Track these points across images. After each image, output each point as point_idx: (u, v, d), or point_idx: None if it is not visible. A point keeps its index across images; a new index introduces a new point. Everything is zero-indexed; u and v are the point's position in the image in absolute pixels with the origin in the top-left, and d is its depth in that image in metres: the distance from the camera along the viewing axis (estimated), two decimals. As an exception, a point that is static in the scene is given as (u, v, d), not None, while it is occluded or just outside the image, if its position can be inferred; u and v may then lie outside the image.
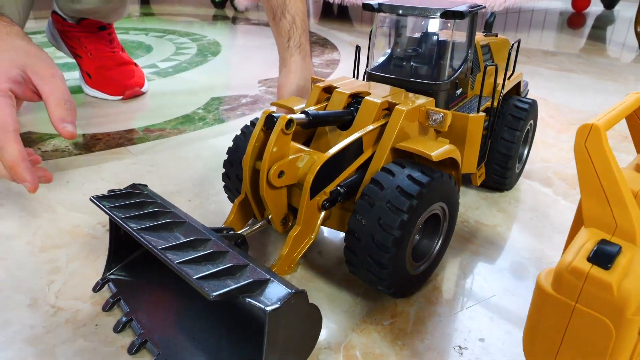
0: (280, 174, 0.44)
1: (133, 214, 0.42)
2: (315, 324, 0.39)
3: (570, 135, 0.92)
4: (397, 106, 0.50)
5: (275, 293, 0.35)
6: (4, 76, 0.48)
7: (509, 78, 0.66)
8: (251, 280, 0.35)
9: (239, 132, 0.57)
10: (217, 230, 0.44)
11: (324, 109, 0.55)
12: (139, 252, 0.51)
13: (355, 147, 0.49)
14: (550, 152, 0.84)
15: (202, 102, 1.08)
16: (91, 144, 0.86)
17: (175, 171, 0.76)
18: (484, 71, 0.58)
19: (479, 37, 0.66)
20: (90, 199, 0.44)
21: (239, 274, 0.36)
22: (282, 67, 0.79)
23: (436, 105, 0.55)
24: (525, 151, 0.71)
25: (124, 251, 0.50)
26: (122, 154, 0.82)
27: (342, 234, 0.60)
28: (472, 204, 0.67)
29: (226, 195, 0.61)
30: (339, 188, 0.47)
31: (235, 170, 0.55)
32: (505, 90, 0.63)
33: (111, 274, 0.50)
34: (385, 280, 0.44)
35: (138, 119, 0.99)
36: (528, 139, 0.71)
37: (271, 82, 1.24)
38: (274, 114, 0.44)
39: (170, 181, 0.73)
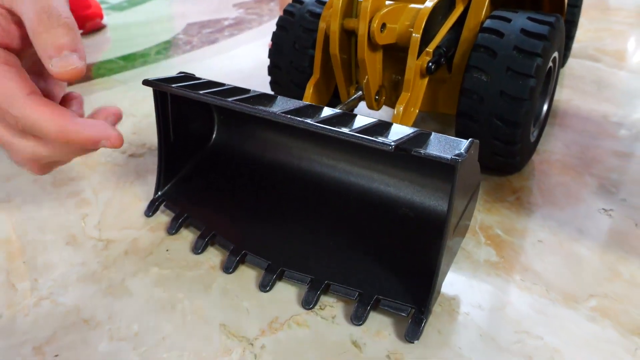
0: (383, 27, 0.35)
1: (212, 90, 0.31)
2: (478, 176, 0.32)
3: (589, 17, 0.88)
4: (489, -54, 0.41)
5: (446, 145, 0.26)
6: None
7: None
8: (417, 132, 0.27)
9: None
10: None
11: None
12: (193, 163, 0.41)
13: (447, 1, 0.40)
14: (578, 33, 0.79)
15: (180, 28, 0.94)
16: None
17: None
18: None
19: None
20: (145, 82, 0.33)
21: (386, 132, 0.28)
22: None
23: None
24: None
25: (175, 165, 0.40)
26: (109, 84, 0.69)
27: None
28: (529, 85, 0.61)
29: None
30: (439, 46, 0.39)
31: (288, 57, 0.46)
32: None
33: (164, 193, 0.40)
34: (516, 143, 0.37)
35: (111, 50, 0.84)
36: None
37: (248, 5, 1.11)
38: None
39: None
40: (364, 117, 0.29)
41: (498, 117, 0.36)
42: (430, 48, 0.38)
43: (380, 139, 0.25)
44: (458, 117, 0.38)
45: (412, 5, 0.38)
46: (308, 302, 0.30)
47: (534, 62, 0.35)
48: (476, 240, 0.35)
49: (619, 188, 0.41)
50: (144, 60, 0.77)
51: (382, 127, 0.28)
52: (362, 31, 0.34)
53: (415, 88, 0.38)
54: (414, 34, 0.35)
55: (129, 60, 0.77)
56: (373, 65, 0.37)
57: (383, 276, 0.31)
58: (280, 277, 0.32)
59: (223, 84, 0.34)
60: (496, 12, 0.38)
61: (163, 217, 0.39)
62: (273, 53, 0.47)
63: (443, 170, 0.33)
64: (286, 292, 0.32)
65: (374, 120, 0.29)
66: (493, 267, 0.33)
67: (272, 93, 0.33)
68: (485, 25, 0.38)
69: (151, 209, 0.39)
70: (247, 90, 0.33)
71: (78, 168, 0.47)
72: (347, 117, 0.29)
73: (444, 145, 0.27)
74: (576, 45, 0.73)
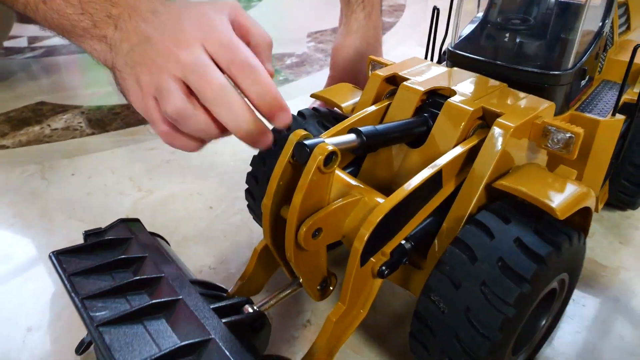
0: (317, 232, 0.29)
1: (101, 292, 0.28)
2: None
3: None
4: (499, 119, 0.32)
5: None
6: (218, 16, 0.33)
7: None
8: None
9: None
10: (226, 308, 0.30)
11: (385, 110, 0.38)
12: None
13: (431, 181, 0.33)
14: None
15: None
16: (107, 120, 0.73)
17: (199, 162, 0.62)
18: (634, 52, 0.38)
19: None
20: (50, 256, 0.31)
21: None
22: (340, 24, 0.61)
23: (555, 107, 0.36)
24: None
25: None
26: (141, 135, 0.69)
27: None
28: (581, 228, 0.49)
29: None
30: (403, 243, 0.31)
31: (262, 189, 0.41)
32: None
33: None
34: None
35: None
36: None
37: (323, 37, 1.05)
38: (307, 143, 0.28)
39: (191, 177, 0.60)
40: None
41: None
42: (390, 247, 0.31)
43: None
44: (410, 335, 0.31)
45: (377, 198, 0.31)
46: None
47: (503, 315, 0.26)
48: None
49: None
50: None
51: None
52: (289, 232, 0.29)
53: (361, 296, 0.31)
54: (357, 238, 0.29)
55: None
56: (310, 263, 0.31)
57: None
58: None
59: (141, 257, 0.31)
60: (482, 215, 0.30)
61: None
62: (250, 178, 0.42)
63: None
64: None
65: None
66: None
67: (168, 298, 0.28)
68: (460, 233, 0.30)
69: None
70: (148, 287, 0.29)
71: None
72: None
73: None
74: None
